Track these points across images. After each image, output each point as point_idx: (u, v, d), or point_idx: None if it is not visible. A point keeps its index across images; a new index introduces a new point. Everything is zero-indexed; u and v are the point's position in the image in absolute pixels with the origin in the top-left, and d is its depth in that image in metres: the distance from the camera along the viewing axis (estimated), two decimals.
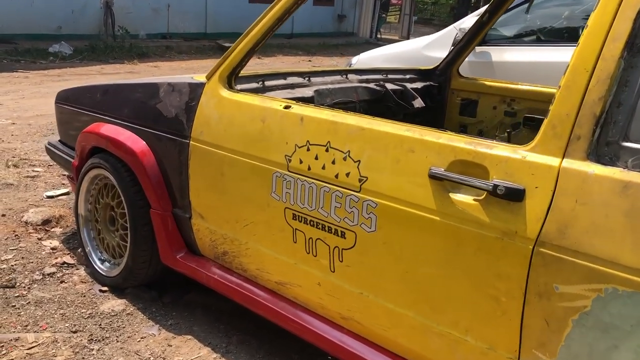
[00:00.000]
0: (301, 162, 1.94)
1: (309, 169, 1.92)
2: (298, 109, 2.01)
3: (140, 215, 2.57)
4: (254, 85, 2.44)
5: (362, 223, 1.78)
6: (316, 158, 1.90)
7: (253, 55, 2.27)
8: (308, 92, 2.64)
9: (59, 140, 3.34)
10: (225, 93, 2.25)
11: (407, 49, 5.20)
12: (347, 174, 1.81)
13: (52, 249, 3.22)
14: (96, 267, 2.91)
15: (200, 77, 2.43)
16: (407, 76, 3.46)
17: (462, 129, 3.49)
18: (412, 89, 3.29)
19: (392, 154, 1.72)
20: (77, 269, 3.02)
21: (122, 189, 2.63)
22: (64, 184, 4.27)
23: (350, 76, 3.14)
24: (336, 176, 1.84)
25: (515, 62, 4.15)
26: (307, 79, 2.80)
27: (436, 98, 3.50)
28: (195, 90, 2.36)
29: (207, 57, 13.13)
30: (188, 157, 2.36)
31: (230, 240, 2.28)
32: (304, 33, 18.36)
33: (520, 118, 3.23)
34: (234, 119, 2.19)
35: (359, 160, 1.79)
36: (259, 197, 2.10)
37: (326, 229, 1.88)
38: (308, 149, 1.93)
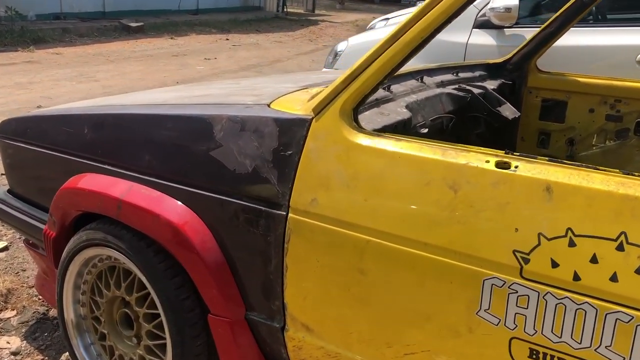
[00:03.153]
0: (555, 265, 1.11)
1: (577, 278, 1.10)
2: (530, 168, 1.17)
3: (188, 324, 1.63)
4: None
5: None
6: (594, 261, 1.08)
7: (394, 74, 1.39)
8: (399, 109, 1.80)
9: (8, 191, 2.26)
10: (357, 137, 1.36)
11: None
12: None
13: (14, 353, 2.18)
14: None
15: (287, 104, 1.53)
16: (476, 73, 2.67)
17: (544, 138, 2.77)
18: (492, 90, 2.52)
19: None
20: None
21: (154, 284, 1.66)
22: None
23: (425, 78, 2.31)
24: None
25: (564, 46, 3.46)
26: (386, 88, 1.95)
27: (509, 99, 2.74)
28: (292, 130, 1.44)
29: (114, 40, 11.64)
30: (284, 239, 1.45)
31: None
32: (209, 9, 17.04)
33: (629, 123, 2.55)
34: (383, 181, 1.31)
35: None
36: (449, 316, 1.25)
37: None
38: (572, 244, 1.10)
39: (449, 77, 2.47)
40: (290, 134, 1.44)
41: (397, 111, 1.77)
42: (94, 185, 1.76)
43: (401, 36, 1.32)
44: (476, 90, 2.37)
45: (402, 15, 5.40)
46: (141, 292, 1.75)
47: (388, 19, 5.77)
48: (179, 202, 1.61)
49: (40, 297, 2.47)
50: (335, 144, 1.38)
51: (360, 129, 1.38)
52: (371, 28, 5.97)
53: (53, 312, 2.42)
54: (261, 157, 1.48)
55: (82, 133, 1.85)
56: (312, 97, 1.50)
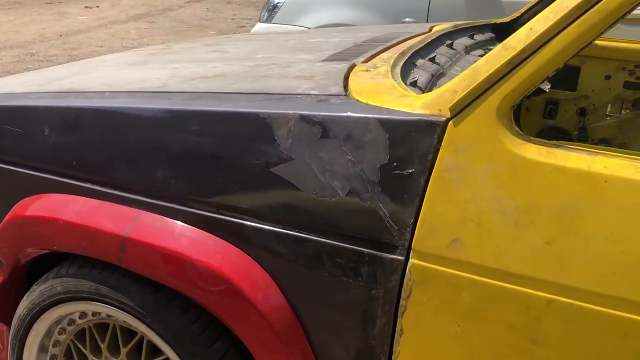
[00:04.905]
0: None
1: None
2: None
3: None
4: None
5: None
6: None
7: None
8: None
9: None
10: (526, 148, 0.93)
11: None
12: None
13: None
14: None
15: (379, 95, 1.06)
16: (487, 35, 2.31)
17: (552, 107, 2.48)
18: None
19: None
20: None
21: (183, 353, 1.16)
22: None
23: (455, 44, 1.93)
24: None
25: None
26: (430, 59, 1.56)
27: None
28: (413, 138, 0.98)
29: None
30: (399, 293, 1.01)
31: None
32: None
33: None
34: (579, 215, 0.90)
35: None
36: None
37: None
38: None
39: (467, 41, 2.08)
40: (410, 144, 0.98)
41: None
42: (72, 214, 1.19)
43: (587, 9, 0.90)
44: None
45: None
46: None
47: None
48: (222, 240, 1.10)
49: None
50: (491, 159, 0.94)
51: (526, 136, 0.95)
52: None
53: None
54: (360, 177, 1.01)
55: (41, 135, 1.25)
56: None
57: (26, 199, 1.29)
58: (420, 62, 1.52)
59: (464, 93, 0.95)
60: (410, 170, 0.98)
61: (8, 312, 1.38)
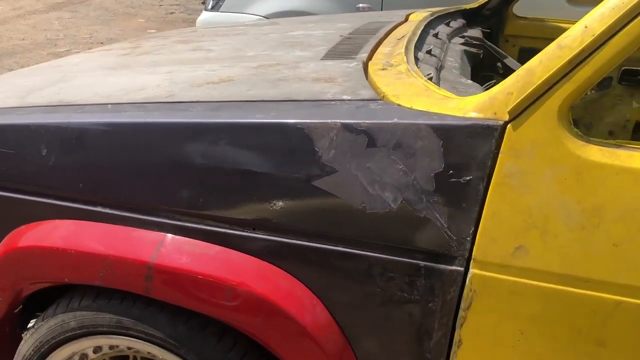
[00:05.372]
0: None
1: None
2: None
3: None
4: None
5: None
6: None
7: None
8: (462, 80, 1.41)
9: None
10: (588, 150, 0.91)
11: None
12: None
13: None
14: None
15: (418, 98, 1.02)
16: (459, 22, 2.30)
17: None
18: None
19: None
20: None
21: None
22: None
23: (440, 33, 1.92)
24: None
25: None
26: (427, 51, 1.54)
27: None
28: (470, 144, 0.94)
29: None
30: (458, 305, 0.98)
31: None
32: None
33: (612, 72, 2.38)
34: None
35: None
36: None
37: None
38: None
39: (446, 29, 2.06)
40: (467, 150, 0.94)
41: (465, 84, 1.34)
42: (86, 241, 1.08)
43: None
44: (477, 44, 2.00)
45: None
46: None
47: None
48: (261, 260, 1.03)
49: None
50: (554, 163, 0.91)
51: (586, 137, 0.92)
52: None
53: None
54: (413, 186, 0.96)
55: (38, 155, 1.13)
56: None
57: (21, 227, 1.16)
58: (421, 55, 1.49)
59: (524, 95, 0.92)
60: (468, 178, 0.94)
61: (4, 352, 1.25)
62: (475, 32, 2.19)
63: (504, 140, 0.93)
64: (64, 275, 1.11)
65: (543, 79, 0.91)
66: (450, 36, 1.97)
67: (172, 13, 7.85)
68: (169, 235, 1.06)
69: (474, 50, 1.93)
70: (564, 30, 2.30)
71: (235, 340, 1.08)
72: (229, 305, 1.02)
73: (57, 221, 1.13)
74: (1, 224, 1.19)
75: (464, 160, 0.94)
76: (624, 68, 2.34)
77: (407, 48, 1.41)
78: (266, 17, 3.44)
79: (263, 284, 1.01)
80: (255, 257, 1.04)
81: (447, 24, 2.12)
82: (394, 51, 1.44)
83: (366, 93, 1.08)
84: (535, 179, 0.92)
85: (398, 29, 1.86)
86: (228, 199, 1.04)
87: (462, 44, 1.94)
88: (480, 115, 0.95)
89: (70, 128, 1.11)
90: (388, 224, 0.98)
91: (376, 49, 1.49)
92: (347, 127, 0.98)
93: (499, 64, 2.01)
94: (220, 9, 3.68)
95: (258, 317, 1.02)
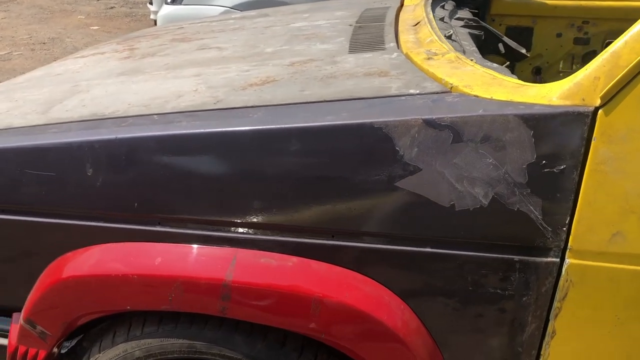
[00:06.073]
0: None
1: None
2: None
3: None
4: None
5: None
6: None
7: None
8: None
9: None
10: None
11: None
12: None
13: None
14: None
15: (485, 86, 0.98)
16: (449, 4, 2.28)
17: (508, 67, 2.52)
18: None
19: None
20: None
21: None
22: None
23: (445, 18, 1.90)
24: None
25: None
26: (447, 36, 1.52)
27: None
28: (561, 132, 0.91)
29: None
30: (553, 296, 0.96)
31: None
32: None
33: (596, 45, 2.43)
34: None
35: None
36: None
37: None
38: None
39: (443, 12, 2.04)
40: (559, 139, 0.91)
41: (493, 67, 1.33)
42: (148, 264, 1.00)
43: None
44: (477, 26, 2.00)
45: None
46: None
47: None
48: (344, 269, 0.98)
49: None
50: None
51: None
52: None
53: None
54: (505, 180, 0.93)
55: (83, 176, 1.03)
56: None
57: (67, 254, 1.07)
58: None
59: (615, 80, 0.90)
60: (562, 167, 0.92)
61: None
62: (466, 13, 2.18)
63: (596, 127, 0.91)
64: (126, 303, 1.03)
65: (635, 61, 0.89)
66: (451, 19, 1.96)
67: (112, 8, 7.55)
68: (240, 250, 1.00)
69: (476, 32, 1.91)
70: (548, 6, 2.32)
71: (316, 354, 1.03)
72: (315, 317, 0.97)
73: (110, 245, 1.04)
74: (41, 253, 1.09)
75: (556, 149, 0.91)
76: (607, 41, 2.39)
77: (438, 35, 1.38)
78: (233, 8, 3.33)
79: (349, 292, 0.97)
80: (337, 265, 0.99)
81: (443, 7, 2.10)
82: (421, 39, 1.40)
83: (432, 85, 1.04)
84: (630, 164, 0.90)
85: (402, 14, 1.83)
86: (302, 208, 0.98)
87: (463, 26, 1.93)
88: (568, 102, 0.92)
89: (119, 144, 1.02)
90: (479, 221, 0.94)
91: (398, 38, 1.45)
92: (429, 123, 0.94)
93: (499, 45, 2.01)
94: (183, 2, 3.54)
95: (347, 327, 0.98)
